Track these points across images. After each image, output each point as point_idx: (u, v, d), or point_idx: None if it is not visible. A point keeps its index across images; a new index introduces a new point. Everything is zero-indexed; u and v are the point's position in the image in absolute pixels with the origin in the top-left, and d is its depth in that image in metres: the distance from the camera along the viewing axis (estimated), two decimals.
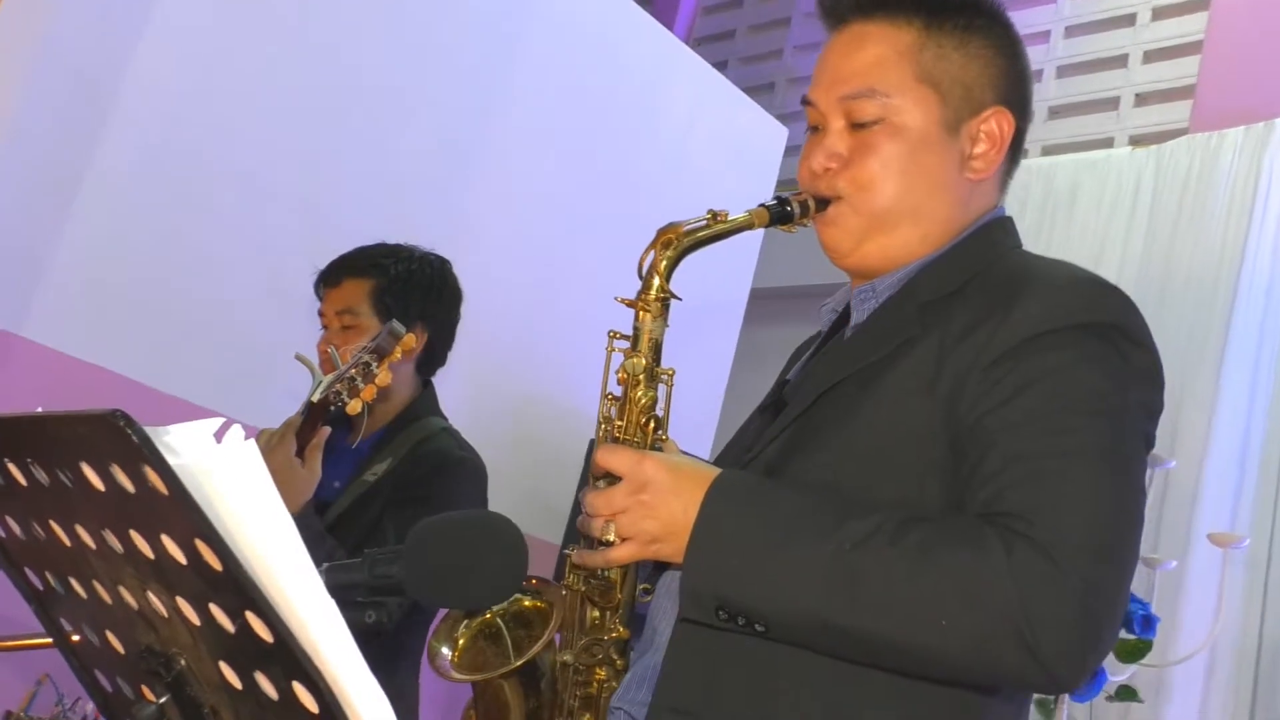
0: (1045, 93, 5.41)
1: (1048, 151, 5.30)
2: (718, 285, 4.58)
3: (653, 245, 1.43)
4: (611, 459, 1.34)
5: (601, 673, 1.43)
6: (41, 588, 1.19)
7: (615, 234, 4.22)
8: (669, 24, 5.87)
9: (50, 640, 1.35)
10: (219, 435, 0.84)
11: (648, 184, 4.37)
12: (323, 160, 3.58)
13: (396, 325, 2.15)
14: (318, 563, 1.26)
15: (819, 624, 1.25)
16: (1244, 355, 4.44)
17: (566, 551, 1.43)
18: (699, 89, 4.70)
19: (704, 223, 1.44)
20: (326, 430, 2.16)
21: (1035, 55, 5.48)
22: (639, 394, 1.43)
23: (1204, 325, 4.52)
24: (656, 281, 1.42)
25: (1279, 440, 4.37)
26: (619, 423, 1.44)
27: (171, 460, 0.82)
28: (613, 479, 1.34)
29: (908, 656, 1.26)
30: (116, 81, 3.19)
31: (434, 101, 3.86)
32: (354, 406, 2.10)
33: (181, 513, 0.84)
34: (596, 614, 1.44)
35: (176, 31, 3.28)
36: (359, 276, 2.44)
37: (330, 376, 2.13)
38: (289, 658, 0.88)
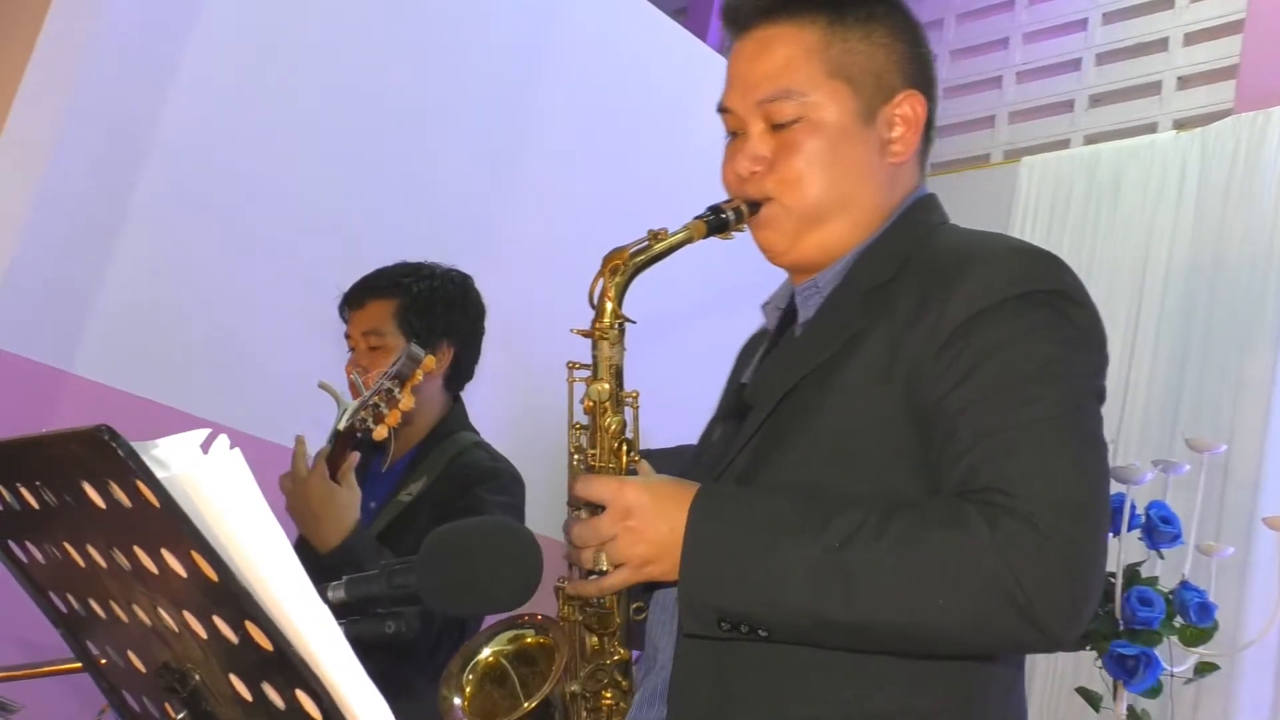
0: (1085, 81, 5.35)
1: (1090, 140, 5.23)
2: (751, 287, 4.56)
3: (601, 273, 1.46)
4: (591, 488, 1.36)
5: (608, 696, 1.44)
6: (66, 611, 1.21)
7: None
8: (702, 32, 5.87)
9: (74, 665, 1.37)
10: (205, 445, 0.85)
11: (685, 194, 4.36)
12: (358, 187, 3.62)
13: (415, 349, 2.17)
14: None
15: (820, 623, 1.28)
16: None
17: (558, 585, 1.44)
18: None
19: (646, 244, 1.47)
20: (356, 455, 2.18)
21: (1074, 44, 5.43)
22: (608, 420, 1.45)
23: (1258, 308, 4.43)
24: (610, 307, 1.45)
25: None
26: (592, 451, 1.45)
27: (160, 473, 0.84)
28: (593, 508, 1.36)
29: (910, 641, 1.29)
30: (152, 119, 3.25)
31: (468, 123, 3.89)
32: (380, 433, 2.13)
33: (175, 525, 0.85)
34: (595, 640, 1.45)
35: (209, 67, 3.34)
36: (382, 297, 2.46)
37: (355, 404, 2.15)
38: (289, 666, 0.88)
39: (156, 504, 0.84)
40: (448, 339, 2.45)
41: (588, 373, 1.47)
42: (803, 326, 1.52)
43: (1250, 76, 4.89)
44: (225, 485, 0.84)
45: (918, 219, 1.52)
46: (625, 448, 1.45)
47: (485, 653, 1.50)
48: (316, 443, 2.27)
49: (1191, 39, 5.15)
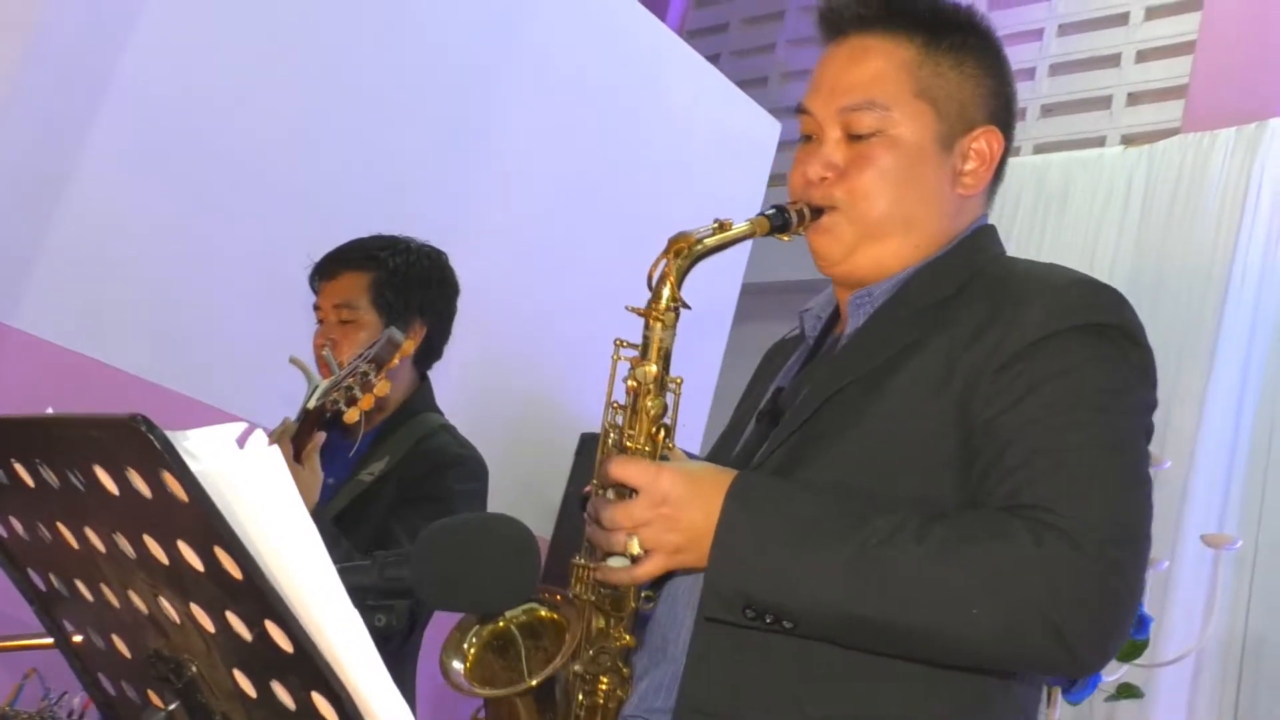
0: (1038, 91, 5.41)
1: (1040, 149, 5.29)
2: (708, 283, 4.55)
3: (664, 254, 1.43)
4: (627, 471, 1.34)
5: (606, 681, 1.42)
6: (45, 589, 1.16)
7: (610, 228, 4.20)
8: (660, 16, 5.85)
9: (44, 641, 1.33)
10: (241, 441, 0.82)
11: (644, 179, 4.35)
12: (319, 152, 3.55)
13: (395, 334, 2.10)
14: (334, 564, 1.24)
15: (850, 618, 1.27)
16: (1233, 355, 4.45)
17: (576, 561, 1.42)
18: (695, 83, 4.69)
19: (711, 231, 1.45)
20: (322, 436, 2.11)
21: (1028, 53, 5.49)
22: (649, 402, 1.42)
23: (1194, 324, 4.52)
24: (667, 290, 1.42)
25: (1266, 440, 4.38)
26: (630, 431, 1.43)
27: (192, 466, 0.80)
28: (622, 489, 1.35)
29: (939, 646, 1.29)
30: (109, 69, 3.15)
31: (430, 94, 3.82)
32: (351, 415, 2.05)
33: (201, 519, 0.82)
34: (602, 622, 1.43)
35: (170, 20, 3.24)
36: (356, 270, 2.40)
37: (327, 383, 2.08)
38: (309, 668, 0.86)
39: (185, 498, 0.81)
40: (421, 317, 2.39)
41: (633, 352, 1.44)
42: (850, 335, 1.52)
43: (1199, 97, 4.98)
44: (262, 484, 0.81)
45: (977, 245, 1.53)
46: (662, 432, 1.43)
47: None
48: (275, 416, 2.22)
49: (1144, 56, 5.24)
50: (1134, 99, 5.22)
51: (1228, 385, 4.41)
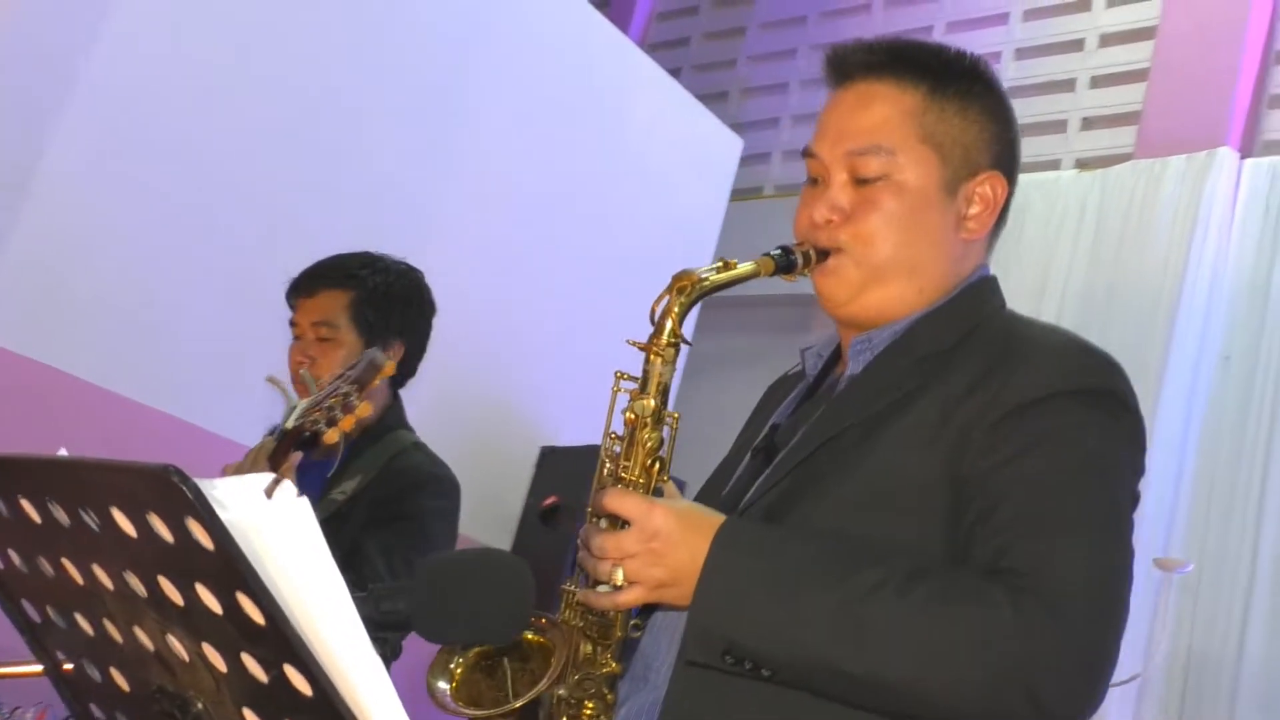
0: None
1: None
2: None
3: (668, 291, 1.44)
4: (621, 504, 1.36)
5: (591, 706, 1.43)
6: (39, 620, 1.16)
7: (572, 240, 4.21)
8: (622, 29, 5.87)
9: (31, 670, 1.32)
10: (269, 491, 0.82)
11: (606, 192, 4.37)
12: (285, 161, 3.54)
13: (378, 355, 2.07)
14: None
15: (828, 670, 1.29)
16: (1180, 378, 4.54)
17: (566, 587, 1.44)
18: (658, 97, 4.71)
19: (715, 269, 1.46)
20: (298, 455, 2.08)
21: None
22: (645, 435, 1.44)
23: (1144, 347, 4.60)
24: (669, 326, 1.43)
25: (1212, 463, 4.47)
26: (625, 463, 1.44)
27: (220, 514, 0.81)
28: (614, 519, 1.36)
29: (915, 704, 1.30)
30: (75, 73, 3.12)
31: (397, 104, 3.82)
32: (331, 436, 2.01)
33: (225, 566, 0.83)
34: (589, 649, 1.45)
35: (138, 26, 3.22)
36: (336, 288, 2.38)
37: (306, 403, 2.04)
38: (328, 710, 0.86)
39: (210, 546, 0.81)
40: (400, 336, 2.39)
41: (633, 384, 1.46)
42: (849, 379, 1.54)
43: (1151, 124, 5.08)
44: (291, 533, 0.82)
45: (980, 297, 1.55)
46: (657, 466, 1.45)
47: None
48: (237, 424, 2.21)
49: (1098, 82, 5.33)
50: (1088, 124, 5.32)
51: (1175, 408, 4.50)
